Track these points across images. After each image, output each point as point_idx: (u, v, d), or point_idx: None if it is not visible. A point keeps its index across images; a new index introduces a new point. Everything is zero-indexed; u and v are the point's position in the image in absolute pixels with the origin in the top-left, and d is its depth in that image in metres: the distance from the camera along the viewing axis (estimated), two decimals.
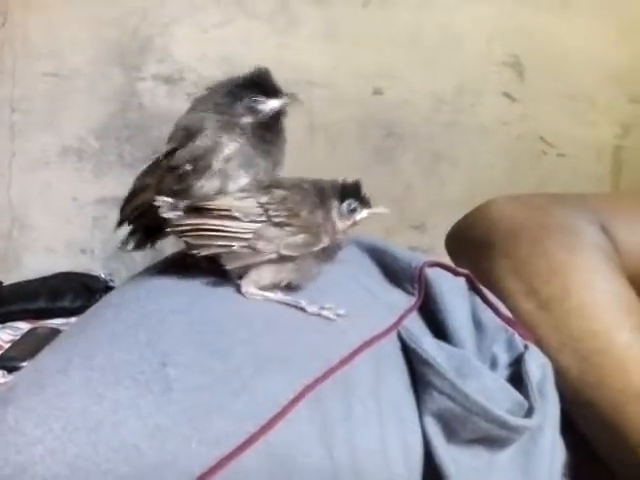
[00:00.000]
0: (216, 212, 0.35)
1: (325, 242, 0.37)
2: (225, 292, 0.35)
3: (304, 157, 1.13)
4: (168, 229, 0.35)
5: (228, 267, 0.35)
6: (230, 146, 0.36)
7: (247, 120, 0.37)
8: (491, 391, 0.33)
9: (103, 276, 0.95)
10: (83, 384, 0.28)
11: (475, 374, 0.33)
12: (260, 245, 0.35)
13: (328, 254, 0.38)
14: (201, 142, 0.35)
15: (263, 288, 0.35)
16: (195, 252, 0.35)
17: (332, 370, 0.31)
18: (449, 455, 0.32)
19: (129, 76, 1.13)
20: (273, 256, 0.35)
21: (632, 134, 1.16)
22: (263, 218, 0.35)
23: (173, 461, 0.26)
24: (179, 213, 0.36)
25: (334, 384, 0.30)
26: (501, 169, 1.14)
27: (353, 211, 0.38)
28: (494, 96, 1.14)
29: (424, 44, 1.13)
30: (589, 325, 0.38)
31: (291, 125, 1.14)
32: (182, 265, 0.37)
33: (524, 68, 1.14)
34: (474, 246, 0.47)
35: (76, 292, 0.89)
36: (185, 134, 0.36)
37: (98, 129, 1.13)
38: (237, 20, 1.14)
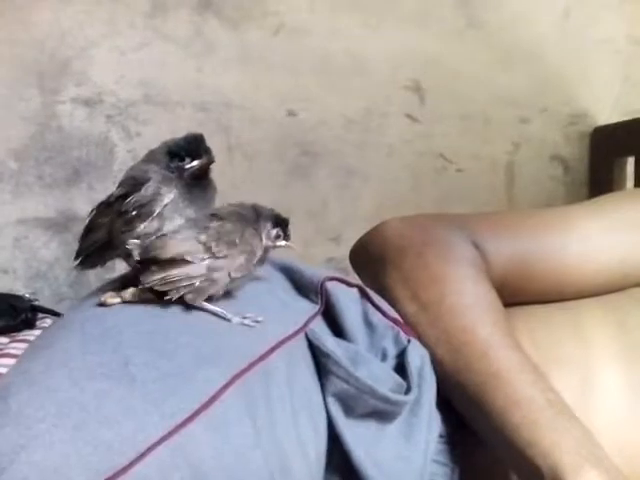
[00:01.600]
0: (171, 260, 0.42)
1: (258, 254, 0.45)
2: (169, 306, 0.43)
3: (224, 176, 1.18)
4: (141, 286, 0.43)
5: (195, 303, 0.42)
6: (168, 196, 0.45)
7: (184, 174, 0.47)
8: (377, 375, 0.42)
9: (27, 295, 0.96)
10: (65, 380, 0.35)
11: (365, 363, 0.42)
12: (215, 276, 0.42)
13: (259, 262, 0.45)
14: (145, 192, 0.45)
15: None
16: (167, 298, 0.42)
17: (253, 364, 0.39)
18: (347, 427, 0.40)
19: (48, 98, 1.14)
20: (227, 281, 0.43)
21: (522, 150, 1.30)
22: (209, 254, 0.43)
23: (142, 429, 0.34)
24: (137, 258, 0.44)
25: (256, 374, 0.39)
26: (407, 184, 1.24)
27: (277, 237, 0.46)
28: (398, 117, 1.24)
29: (333, 69, 1.22)
30: (458, 322, 0.46)
31: (210, 146, 1.21)
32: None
33: (425, 92, 1.25)
34: (371, 260, 0.55)
35: (0, 312, 0.90)
36: (133, 182, 0.46)
37: (17, 151, 1.13)
38: (154, 44, 1.18)
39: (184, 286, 0.41)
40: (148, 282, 0.42)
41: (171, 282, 0.41)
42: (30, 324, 0.93)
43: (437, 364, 0.46)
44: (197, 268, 0.42)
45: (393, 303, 0.49)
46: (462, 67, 1.26)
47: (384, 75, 1.24)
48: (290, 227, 0.46)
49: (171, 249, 0.42)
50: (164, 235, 0.44)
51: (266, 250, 0.45)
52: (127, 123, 1.17)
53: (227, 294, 0.44)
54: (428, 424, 0.43)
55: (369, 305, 0.47)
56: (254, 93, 1.19)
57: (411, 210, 1.19)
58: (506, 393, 0.42)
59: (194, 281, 0.41)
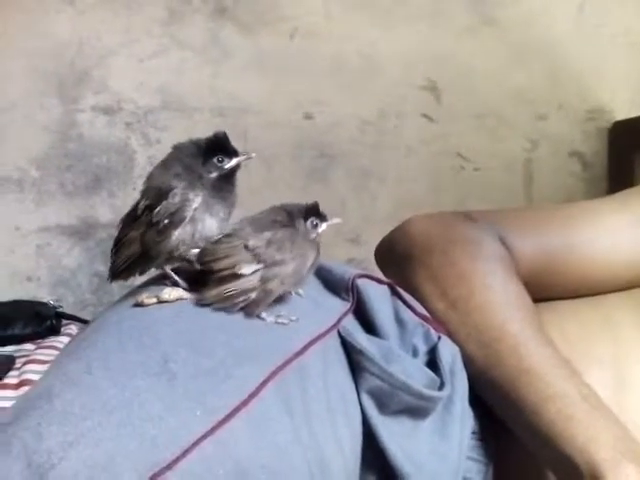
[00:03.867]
0: (223, 271, 0.42)
1: (311, 257, 0.44)
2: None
3: (242, 181, 1.20)
4: (197, 299, 0.43)
5: (252, 316, 0.42)
6: (196, 200, 0.45)
7: (212, 175, 0.46)
8: (410, 372, 0.42)
9: (52, 302, 0.98)
10: (106, 378, 0.36)
11: (397, 359, 0.42)
12: (269, 286, 0.42)
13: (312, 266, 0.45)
14: (173, 200, 0.45)
15: None
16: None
17: (289, 360, 0.39)
18: (381, 423, 0.40)
19: (67, 107, 1.16)
20: (281, 289, 0.43)
21: (540, 147, 1.29)
22: (260, 262, 0.43)
23: (185, 425, 0.35)
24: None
25: (292, 371, 0.39)
26: (424, 184, 1.24)
27: (315, 226, 0.46)
28: (414, 117, 1.24)
29: (348, 72, 1.22)
30: (488, 319, 0.46)
31: None
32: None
33: (440, 91, 1.25)
34: (397, 258, 0.54)
35: (26, 319, 0.92)
36: (157, 192, 0.45)
37: (38, 159, 1.15)
38: (171, 51, 1.19)
39: (241, 301, 0.41)
40: (204, 298, 0.42)
41: (228, 297, 0.41)
42: (55, 330, 0.94)
43: (468, 361, 0.46)
44: (251, 280, 0.42)
45: (422, 301, 0.49)
46: (477, 65, 1.26)
47: (399, 75, 1.24)
48: (320, 207, 0.45)
49: (222, 260, 0.42)
50: (213, 243, 0.44)
51: (317, 247, 0.45)
52: (146, 130, 1.18)
53: None
54: (461, 420, 0.43)
55: (399, 302, 0.47)
56: (270, 97, 1.20)
57: (429, 210, 1.19)
58: (539, 388, 0.42)
59: (250, 295, 0.41)
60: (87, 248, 1.15)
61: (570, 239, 0.53)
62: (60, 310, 0.97)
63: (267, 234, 0.43)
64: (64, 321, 0.97)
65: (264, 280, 0.42)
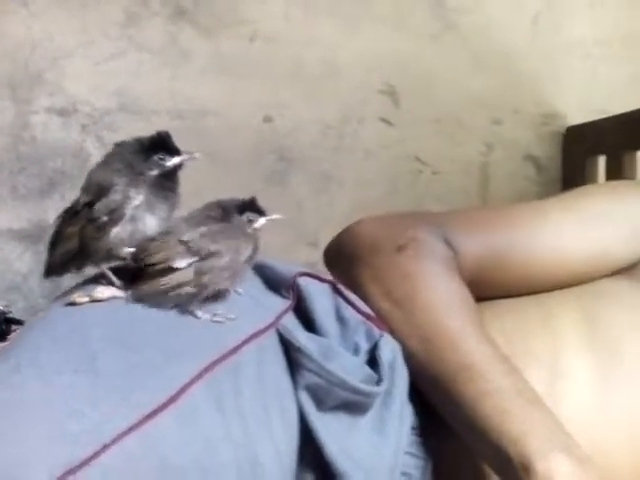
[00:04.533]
0: (156, 265, 0.41)
1: (245, 251, 0.44)
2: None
3: (200, 183, 1.19)
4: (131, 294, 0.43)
5: (188, 310, 0.42)
6: (137, 197, 0.45)
7: (153, 173, 0.46)
8: (348, 368, 0.43)
9: (1, 307, 0.96)
10: (34, 377, 0.36)
11: (335, 356, 0.43)
12: (204, 280, 0.41)
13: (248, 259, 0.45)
14: (114, 196, 0.44)
15: None
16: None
17: (223, 357, 0.40)
18: (319, 420, 0.41)
19: (20, 109, 1.14)
20: (216, 285, 0.43)
21: (496, 151, 1.31)
22: (194, 255, 0.42)
23: (108, 420, 0.35)
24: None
25: (225, 368, 0.40)
26: (383, 187, 1.25)
27: (251, 221, 0.46)
28: (373, 122, 1.25)
29: (308, 75, 1.23)
30: (430, 317, 0.47)
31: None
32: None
33: (399, 95, 1.27)
34: (344, 259, 0.55)
35: None
36: (98, 189, 0.45)
37: None
38: (128, 53, 1.18)
39: (176, 295, 0.41)
40: (139, 294, 0.41)
41: (163, 291, 0.41)
42: (3, 336, 0.92)
43: (410, 357, 0.47)
44: (185, 273, 0.41)
45: (366, 300, 0.50)
46: (436, 70, 1.28)
47: (359, 80, 1.25)
48: (259, 202, 0.45)
49: (156, 254, 0.42)
50: (148, 240, 0.44)
51: (255, 242, 0.45)
52: (102, 132, 1.17)
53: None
54: (400, 416, 0.44)
55: (341, 300, 0.47)
56: (230, 100, 1.20)
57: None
58: (477, 384, 0.43)
59: (184, 289, 0.41)
60: (39, 253, 1.12)
61: (513, 239, 0.54)
62: (9, 315, 0.95)
63: (201, 229, 0.43)
64: (13, 327, 0.94)
65: (199, 273, 0.42)
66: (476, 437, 0.42)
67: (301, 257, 1.21)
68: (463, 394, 0.43)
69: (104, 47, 1.17)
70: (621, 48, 1.39)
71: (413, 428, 0.46)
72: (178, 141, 1.24)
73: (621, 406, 0.48)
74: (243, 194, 1.22)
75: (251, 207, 0.45)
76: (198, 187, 1.21)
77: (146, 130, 1.19)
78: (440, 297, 0.48)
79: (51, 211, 1.14)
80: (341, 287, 0.48)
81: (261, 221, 0.45)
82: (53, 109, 1.16)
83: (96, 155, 1.16)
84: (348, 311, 0.47)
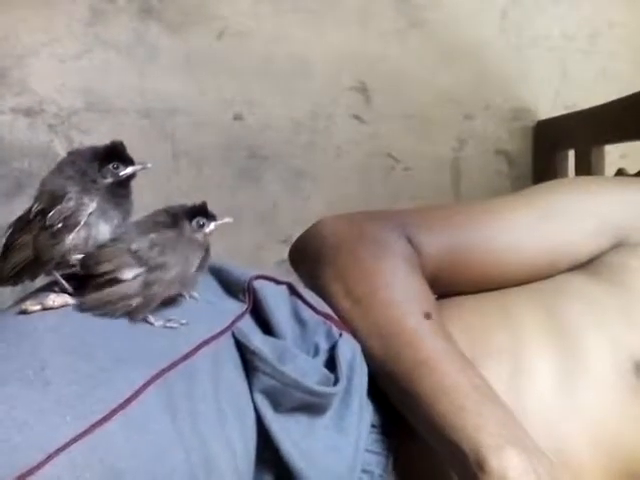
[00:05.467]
0: (104, 275, 0.41)
1: (194, 259, 0.44)
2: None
3: (170, 183, 1.19)
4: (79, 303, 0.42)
5: (134, 320, 0.41)
6: (91, 205, 0.44)
7: (107, 181, 0.46)
8: (304, 369, 0.43)
9: None
10: None
11: (291, 358, 0.43)
12: (153, 291, 0.41)
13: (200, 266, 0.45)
14: (67, 204, 0.44)
15: None
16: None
17: (175, 363, 0.40)
18: (276, 422, 0.41)
19: None
20: (165, 295, 0.43)
21: (467, 147, 1.32)
22: (142, 265, 0.42)
23: (53, 430, 0.34)
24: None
25: (178, 373, 0.39)
26: (356, 184, 1.25)
27: (202, 226, 0.45)
28: (345, 119, 1.25)
29: (278, 72, 1.22)
30: (389, 314, 0.47)
31: (154, 153, 1.21)
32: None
33: (370, 92, 1.27)
34: (307, 259, 0.55)
35: None
36: (51, 196, 0.45)
37: None
38: (95, 51, 1.16)
39: (122, 306, 0.41)
40: (85, 304, 0.41)
41: (108, 302, 0.41)
42: None
43: (370, 356, 0.47)
44: (132, 285, 0.41)
45: (328, 299, 0.50)
46: (406, 67, 1.28)
47: (329, 77, 1.25)
48: (209, 207, 0.45)
49: (103, 264, 0.42)
50: (99, 248, 0.43)
51: (205, 249, 0.44)
52: (70, 132, 1.15)
53: None
54: (359, 415, 0.44)
55: (299, 302, 0.47)
56: (199, 98, 1.19)
57: (361, 210, 1.22)
58: (433, 381, 0.43)
59: (131, 301, 0.41)
60: None
61: (474, 236, 0.55)
62: None
63: (150, 236, 0.42)
64: None
65: (146, 285, 0.41)
66: (433, 434, 0.42)
67: (274, 255, 1.20)
68: (419, 391, 0.43)
69: (70, 45, 1.15)
70: (588, 43, 1.40)
71: (374, 426, 0.46)
72: (147, 140, 1.23)
73: (582, 400, 0.49)
74: (214, 192, 1.22)
75: (201, 212, 0.44)
76: (165, 188, 1.20)
77: (114, 129, 1.19)
78: (398, 294, 0.48)
79: (18, 212, 1.12)
80: (299, 288, 0.48)
81: (211, 226, 0.45)
82: (19, 109, 1.14)
83: (64, 155, 1.15)
84: (306, 312, 0.47)
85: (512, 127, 1.35)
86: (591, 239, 0.55)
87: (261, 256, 1.19)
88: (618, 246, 0.54)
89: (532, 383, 0.49)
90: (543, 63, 1.37)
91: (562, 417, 0.48)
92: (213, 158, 1.20)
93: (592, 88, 1.35)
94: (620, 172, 1.17)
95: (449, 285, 0.56)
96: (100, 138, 1.25)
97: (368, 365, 0.47)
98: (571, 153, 1.26)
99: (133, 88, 1.18)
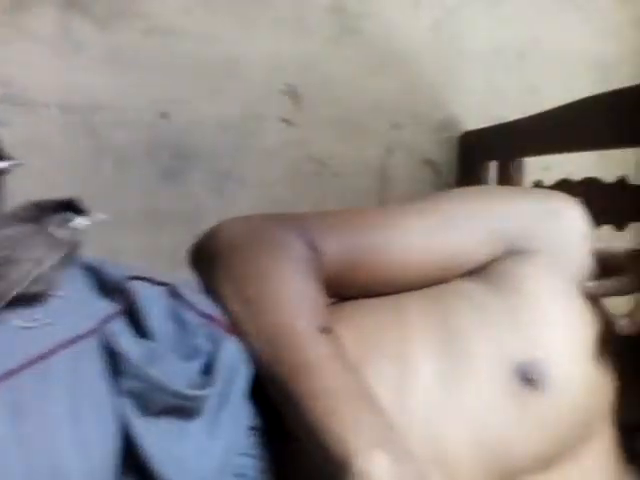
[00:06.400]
0: None
1: (52, 255, 0.42)
2: None
3: (91, 181, 1.16)
4: None
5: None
6: None
7: None
8: (174, 372, 0.42)
9: None
10: None
11: (160, 361, 0.42)
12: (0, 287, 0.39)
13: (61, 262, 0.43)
14: None
15: None
16: None
17: (27, 364, 0.38)
18: (142, 425, 0.40)
19: None
20: (13, 291, 0.41)
21: (395, 155, 1.34)
22: None
23: None
24: None
25: (30, 375, 0.38)
26: (283, 188, 1.25)
27: (67, 222, 0.43)
28: (275, 121, 1.25)
29: (208, 72, 1.21)
30: (276, 317, 0.47)
31: (76, 150, 1.18)
32: None
33: (301, 97, 1.27)
34: (204, 259, 0.54)
35: None
36: None
37: None
38: (15, 42, 1.12)
39: None
40: None
41: None
42: None
43: (255, 358, 0.46)
44: None
45: (220, 301, 0.50)
46: (337, 73, 1.29)
47: (260, 79, 1.24)
48: (81, 202, 0.43)
49: None
50: None
51: (69, 245, 0.43)
52: None
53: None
54: (235, 418, 0.44)
55: (180, 303, 0.47)
56: (124, 95, 1.16)
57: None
58: (311, 384, 0.43)
59: None
60: None
61: (369, 241, 0.55)
62: None
63: (4, 231, 0.41)
64: None
65: None
66: (309, 437, 0.42)
67: None
68: (298, 393, 0.43)
69: None
70: (516, 59, 1.45)
71: (254, 429, 0.46)
72: (69, 136, 1.19)
73: (465, 401, 0.50)
74: (137, 193, 1.19)
75: (70, 207, 0.43)
76: (85, 185, 1.17)
77: (34, 123, 1.15)
78: (288, 297, 0.48)
79: None
80: (180, 289, 0.48)
81: (80, 221, 0.43)
82: None
83: None
84: (188, 314, 0.46)
85: (439, 137, 1.38)
86: (483, 247, 0.56)
87: (182, 258, 1.17)
88: (510, 254, 0.56)
89: (417, 384, 0.50)
90: (472, 76, 1.41)
91: (444, 417, 0.49)
92: (137, 157, 1.18)
93: (518, 102, 1.40)
94: (537, 184, 1.22)
95: (349, 287, 0.57)
96: (18, 131, 1.21)
97: (254, 368, 0.46)
98: (493, 164, 1.30)
99: (55, 82, 1.14)
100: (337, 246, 0.55)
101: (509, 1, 1.42)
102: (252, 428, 0.46)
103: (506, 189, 0.68)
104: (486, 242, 0.56)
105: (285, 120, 1.26)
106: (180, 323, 0.45)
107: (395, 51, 1.34)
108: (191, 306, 0.47)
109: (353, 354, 0.50)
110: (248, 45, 1.24)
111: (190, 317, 0.46)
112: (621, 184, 1.05)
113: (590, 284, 0.55)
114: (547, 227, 0.56)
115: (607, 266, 0.59)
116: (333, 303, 0.60)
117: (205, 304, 0.48)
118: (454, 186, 1.39)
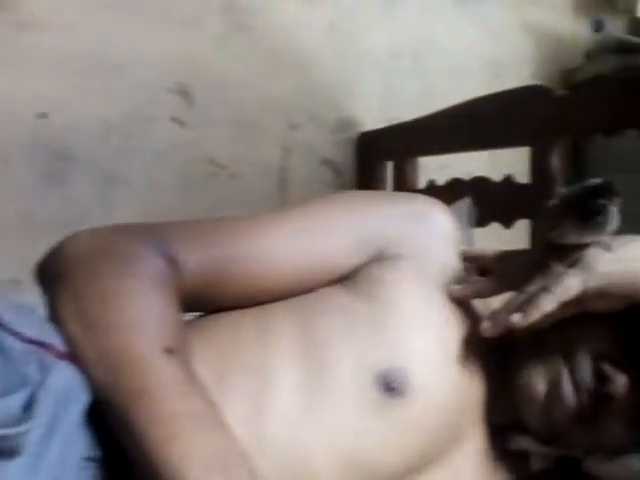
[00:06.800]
0: None
1: None
2: None
3: None
4: None
5: None
6: None
7: None
8: None
9: None
10: None
11: None
12: None
13: None
14: None
15: None
16: None
17: None
18: None
19: None
20: None
21: (293, 156, 1.32)
22: None
23: None
24: None
25: None
26: (176, 190, 1.20)
27: None
28: (164, 121, 1.20)
29: (92, 70, 1.14)
30: (117, 340, 0.43)
31: None
32: None
33: (192, 96, 1.22)
34: (47, 278, 0.49)
35: None
36: None
37: None
38: None
39: None
40: None
41: None
42: None
43: (94, 385, 0.42)
44: None
45: (61, 324, 0.45)
46: (230, 71, 1.26)
47: (147, 78, 1.19)
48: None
49: None
50: None
51: None
52: None
53: None
54: (65, 449, 0.40)
55: (2, 330, 0.42)
56: None
57: (182, 217, 1.17)
58: (150, 410, 0.40)
59: None
60: None
61: (232, 251, 0.53)
62: None
63: None
64: None
65: None
66: (147, 467, 0.39)
67: None
68: (136, 421, 0.40)
69: None
70: (412, 60, 1.47)
71: (91, 460, 0.42)
72: None
73: (324, 415, 0.48)
74: (15, 197, 1.11)
75: None
76: None
77: None
78: (135, 318, 0.44)
79: None
80: (3, 315, 0.43)
81: None
82: None
83: None
84: (12, 341, 0.41)
85: (337, 138, 1.37)
86: (351, 253, 0.55)
87: None
88: (378, 260, 0.55)
89: (276, 400, 0.47)
90: (369, 76, 1.41)
91: (305, 432, 0.47)
92: (14, 158, 1.09)
93: (415, 103, 1.41)
94: (431, 183, 1.23)
95: (212, 301, 0.54)
96: None
97: (93, 395, 0.42)
98: (390, 164, 1.31)
99: None
100: (198, 258, 0.51)
101: (403, 3, 1.44)
102: (88, 459, 0.42)
103: (373, 194, 0.67)
104: (354, 248, 0.55)
105: (176, 120, 1.21)
106: (3, 351, 0.41)
107: (290, 50, 1.32)
108: (14, 332, 0.42)
109: (211, 372, 0.47)
110: (135, 43, 1.18)
111: (14, 344, 0.41)
112: (508, 183, 1.08)
113: (454, 287, 0.54)
114: (411, 231, 0.55)
115: (479, 268, 0.59)
116: (200, 317, 0.57)
117: (37, 328, 0.43)
118: (353, 187, 1.39)
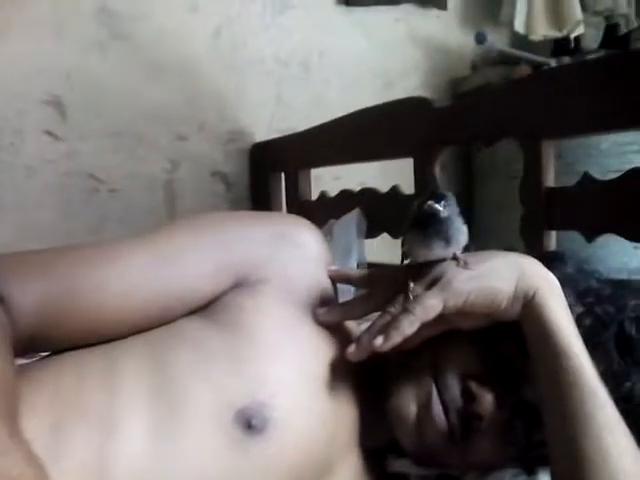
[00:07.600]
0: None
1: None
2: None
3: None
4: None
5: None
6: None
7: None
8: None
9: None
10: None
11: None
12: None
13: None
14: None
15: None
16: None
17: None
18: None
19: None
20: None
21: (181, 168, 1.27)
22: None
23: None
24: None
25: None
26: (52, 208, 1.12)
27: None
28: (36, 135, 1.12)
29: None
30: None
31: None
32: None
33: (66, 107, 1.15)
34: None
35: None
36: None
37: None
38: None
39: None
40: None
41: None
42: None
43: None
44: None
45: None
46: (107, 81, 1.19)
47: (16, 90, 1.10)
48: None
49: None
50: None
51: None
52: None
53: None
54: None
55: None
56: None
57: (61, 237, 1.09)
58: None
59: None
60: None
61: (77, 283, 0.47)
62: None
63: None
64: None
65: None
66: None
67: None
68: None
69: None
70: (301, 70, 1.45)
71: None
72: None
73: (179, 458, 0.44)
74: None
75: None
76: None
77: None
78: None
79: None
80: None
81: None
82: None
83: None
84: None
85: (228, 149, 1.33)
86: (209, 281, 0.51)
87: None
88: (239, 286, 0.51)
89: (124, 446, 0.43)
90: (259, 86, 1.38)
91: (156, 478, 0.43)
92: None
93: (306, 113, 1.39)
94: (323, 195, 1.22)
95: (55, 341, 0.48)
96: None
97: None
98: (282, 175, 1.28)
99: None
100: (36, 292, 0.46)
101: (289, 12, 1.42)
102: None
103: (239, 216, 0.63)
104: (213, 276, 0.51)
105: (49, 133, 1.13)
106: None
107: (173, 58, 1.27)
108: None
109: (47, 420, 0.43)
110: (1, 51, 1.09)
111: None
112: (394, 193, 1.08)
113: (321, 310, 0.52)
114: (277, 254, 0.52)
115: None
116: (44, 357, 0.51)
117: None
118: (246, 198, 1.36)
